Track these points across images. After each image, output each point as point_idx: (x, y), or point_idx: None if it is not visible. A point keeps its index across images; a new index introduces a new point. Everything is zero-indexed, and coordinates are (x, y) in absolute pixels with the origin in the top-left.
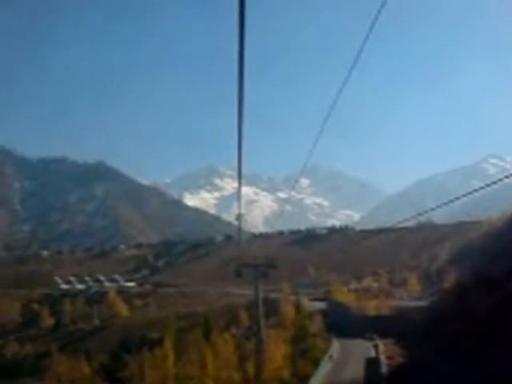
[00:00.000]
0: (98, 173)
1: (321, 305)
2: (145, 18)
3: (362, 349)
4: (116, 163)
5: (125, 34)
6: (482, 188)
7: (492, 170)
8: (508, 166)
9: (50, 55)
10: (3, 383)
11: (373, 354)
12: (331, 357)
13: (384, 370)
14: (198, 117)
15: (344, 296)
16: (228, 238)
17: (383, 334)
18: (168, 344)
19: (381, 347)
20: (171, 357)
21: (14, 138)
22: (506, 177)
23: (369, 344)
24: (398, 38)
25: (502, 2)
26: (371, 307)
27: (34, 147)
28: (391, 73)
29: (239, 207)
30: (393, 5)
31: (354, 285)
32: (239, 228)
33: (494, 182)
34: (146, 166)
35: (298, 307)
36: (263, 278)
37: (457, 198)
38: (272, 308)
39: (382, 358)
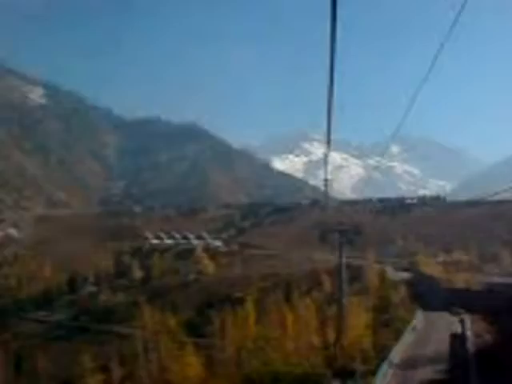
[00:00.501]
0: (191, 134)
1: (406, 275)
2: None
3: (447, 323)
4: (208, 125)
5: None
6: None
7: None
8: None
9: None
10: (96, 327)
11: (459, 329)
12: (414, 328)
13: (471, 346)
14: (289, 80)
15: (431, 267)
16: (314, 202)
17: (471, 310)
18: (249, 304)
19: (468, 322)
20: (252, 317)
21: (112, 99)
22: None
23: (455, 318)
24: None
25: None
26: (459, 281)
27: (130, 108)
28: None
29: (326, 172)
30: None
31: (442, 257)
32: (325, 193)
33: None
34: (237, 128)
35: (382, 276)
36: (348, 245)
37: None
38: (355, 275)
39: (469, 333)
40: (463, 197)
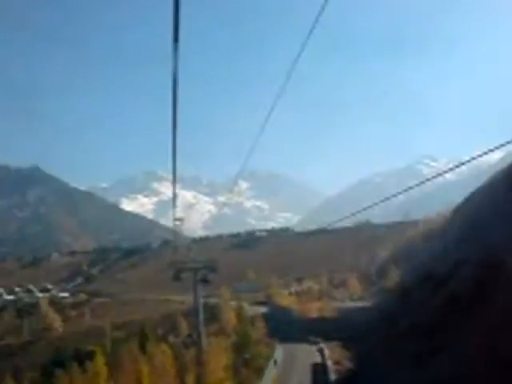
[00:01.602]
0: (32, 178)
1: (262, 309)
2: None
3: (307, 353)
4: (50, 168)
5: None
6: (416, 185)
7: (426, 171)
8: (441, 166)
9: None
10: None
11: (318, 358)
12: (275, 362)
13: (332, 375)
14: (135, 120)
15: (285, 299)
16: (165, 243)
17: (328, 337)
18: (100, 358)
19: (326, 351)
20: (104, 373)
21: None
22: (435, 177)
23: (314, 348)
24: None
25: None
26: (314, 309)
27: None
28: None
29: (174, 208)
30: None
31: (295, 287)
32: (175, 232)
33: (427, 180)
34: (82, 171)
35: (239, 313)
36: (204, 284)
37: (393, 196)
38: (212, 314)
39: (329, 362)
40: (309, 228)
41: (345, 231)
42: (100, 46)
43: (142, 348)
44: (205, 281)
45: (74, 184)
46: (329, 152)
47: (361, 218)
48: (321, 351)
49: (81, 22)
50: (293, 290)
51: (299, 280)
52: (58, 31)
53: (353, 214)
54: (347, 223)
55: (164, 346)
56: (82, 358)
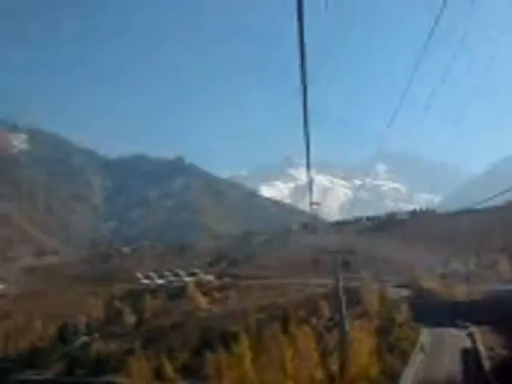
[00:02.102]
0: (177, 168)
1: (405, 292)
2: None
3: (455, 338)
4: (193, 159)
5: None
6: None
7: None
8: None
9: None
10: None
11: (468, 344)
12: (422, 348)
13: (486, 363)
14: (270, 110)
15: (430, 281)
16: (305, 226)
17: (477, 321)
18: (244, 342)
19: (477, 336)
20: (248, 355)
21: (94, 139)
22: None
23: (462, 333)
24: None
25: None
26: (461, 292)
27: (112, 146)
28: None
29: (310, 195)
30: None
31: (440, 269)
32: (313, 217)
33: None
34: (223, 160)
35: (382, 296)
36: (344, 267)
37: None
38: (353, 297)
39: (481, 348)
40: (452, 208)
41: (494, 210)
42: None
43: (285, 330)
44: (345, 264)
45: (215, 173)
46: (468, 130)
47: (510, 196)
48: (471, 336)
49: None
50: (438, 272)
51: (445, 262)
52: None
53: (506, 191)
54: (497, 202)
55: (306, 328)
56: (228, 338)
